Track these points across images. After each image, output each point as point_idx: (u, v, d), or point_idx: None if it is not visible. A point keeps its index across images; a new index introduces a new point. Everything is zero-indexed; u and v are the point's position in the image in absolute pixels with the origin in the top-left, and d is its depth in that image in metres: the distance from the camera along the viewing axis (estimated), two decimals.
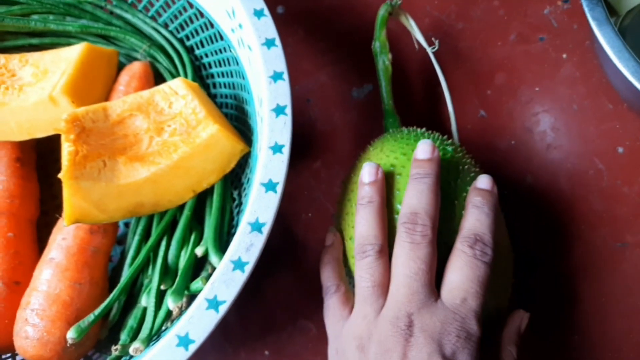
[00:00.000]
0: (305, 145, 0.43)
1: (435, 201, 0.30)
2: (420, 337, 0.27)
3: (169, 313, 0.32)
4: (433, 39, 0.36)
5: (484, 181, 0.31)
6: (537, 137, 0.41)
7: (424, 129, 0.34)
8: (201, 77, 0.41)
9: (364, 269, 0.30)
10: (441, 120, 0.42)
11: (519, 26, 0.44)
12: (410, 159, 0.32)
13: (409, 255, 0.28)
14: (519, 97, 0.42)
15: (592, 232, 0.39)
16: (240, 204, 0.36)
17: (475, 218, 0.29)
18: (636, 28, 0.42)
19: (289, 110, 0.29)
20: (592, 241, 0.39)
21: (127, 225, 0.40)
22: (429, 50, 0.37)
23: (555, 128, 0.41)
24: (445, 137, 0.34)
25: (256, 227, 0.26)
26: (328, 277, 0.33)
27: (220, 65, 0.39)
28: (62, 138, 0.32)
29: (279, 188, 0.27)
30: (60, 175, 0.31)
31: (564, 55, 0.43)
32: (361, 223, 0.30)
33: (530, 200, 0.40)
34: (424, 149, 0.31)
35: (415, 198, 0.30)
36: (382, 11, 0.38)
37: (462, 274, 0.28)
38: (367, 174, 0.31)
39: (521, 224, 0.39)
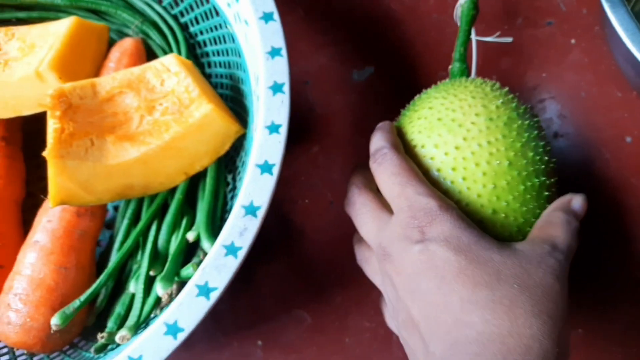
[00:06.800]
0: (303, 129, 0.41)
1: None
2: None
3: (158, 300, 0.30)
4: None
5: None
6: (543, 125, 0.40)
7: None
8: (195, 55, 0.39)
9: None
10: None
11: (526, 10, 0.42)
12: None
13: None
14: (525, 82, 0.41)
15: (597, 225, 0.37)
16: (234, 188, 0.35)
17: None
18: None
19: (286, 89, 0.27)
20: (598, 235, 0.37)
21: (116, 208, 0.38)
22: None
23: (562, 115, 0.40)
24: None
25: (250, 210, 0.25)
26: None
27: (216, 43, 0.37)
28: (48, 114, 0.31)
29: (275, 170, 0.26)
30: (44, 153, 0.30)
31: (573, 41, 0.41)
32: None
33: None
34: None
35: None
36: None
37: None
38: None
39: None
